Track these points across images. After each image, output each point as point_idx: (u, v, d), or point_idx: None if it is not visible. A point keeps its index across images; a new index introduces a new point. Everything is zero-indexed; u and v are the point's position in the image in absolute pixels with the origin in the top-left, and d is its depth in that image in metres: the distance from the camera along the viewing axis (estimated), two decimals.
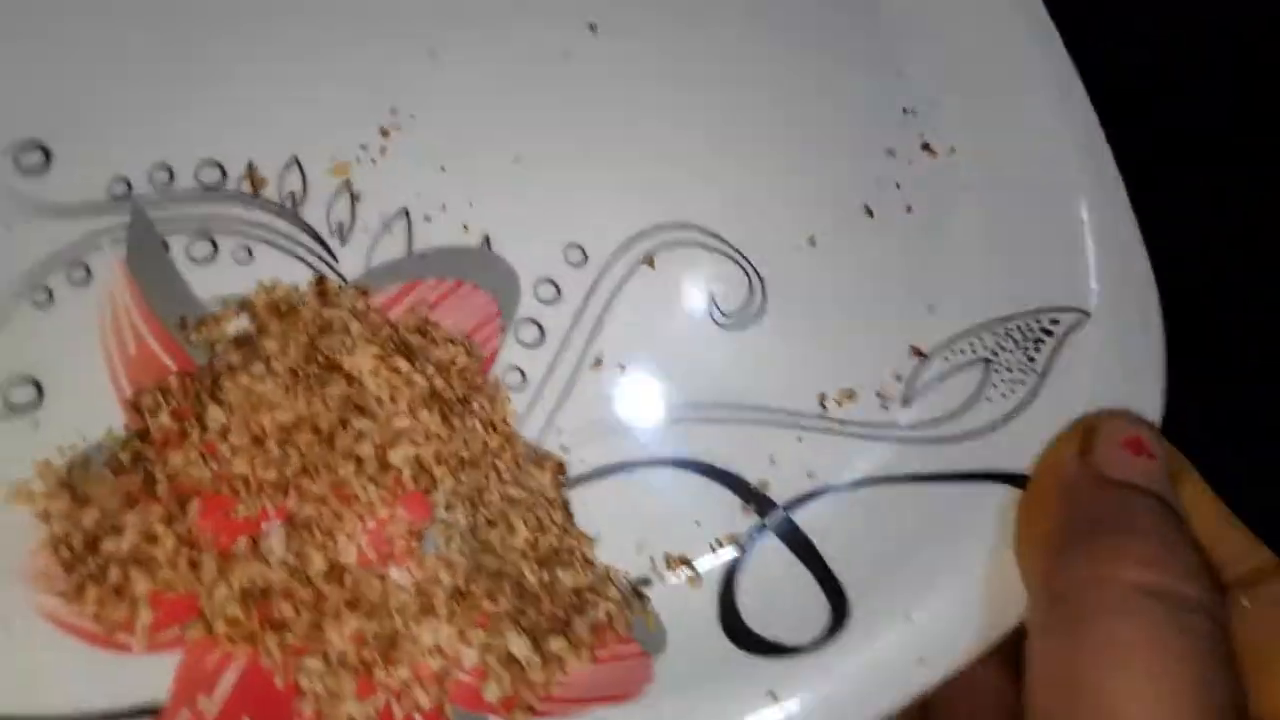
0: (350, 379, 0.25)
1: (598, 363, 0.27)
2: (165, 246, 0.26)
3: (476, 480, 0.25)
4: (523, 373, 0.26)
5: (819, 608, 0.25)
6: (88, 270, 0.25)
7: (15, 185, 0.25)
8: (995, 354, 0.27)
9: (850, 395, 0.27)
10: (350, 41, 0.28)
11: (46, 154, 0.26)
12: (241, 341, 0.25)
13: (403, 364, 0.25)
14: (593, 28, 0.29)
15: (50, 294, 0.25)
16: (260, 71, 0.27)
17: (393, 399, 0.25)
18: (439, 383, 0.25)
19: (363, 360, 0.25)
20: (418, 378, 0.25)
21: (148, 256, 0.26)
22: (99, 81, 0.26)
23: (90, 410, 0.24)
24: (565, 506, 0.25)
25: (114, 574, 0.23)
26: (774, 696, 0.24)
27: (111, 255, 0.25)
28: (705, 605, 0.26)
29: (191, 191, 0.26)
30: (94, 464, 0.24)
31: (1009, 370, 0.27)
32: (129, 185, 0.26)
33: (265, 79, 0.27)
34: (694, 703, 0.24)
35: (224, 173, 0.26)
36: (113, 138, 0.26)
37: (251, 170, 0.27)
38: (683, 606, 0.25)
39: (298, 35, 0.27)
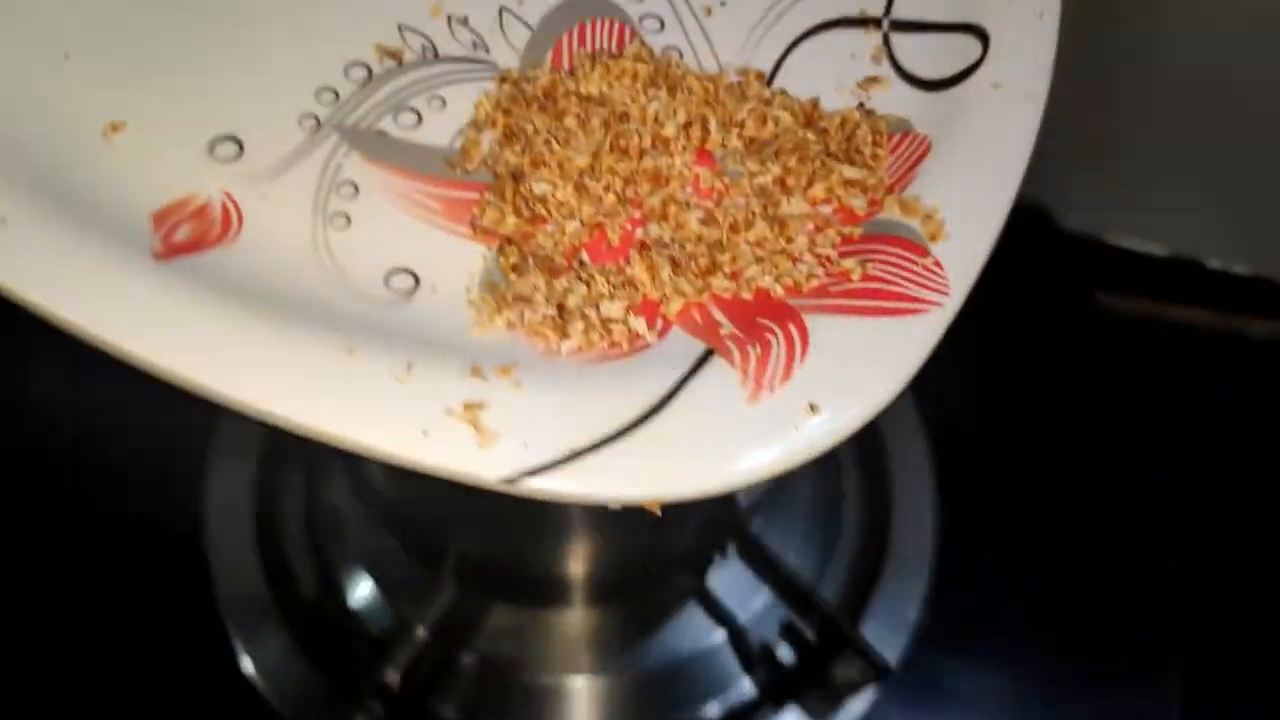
0: (598, 101, 0.27)
1: (708, 10, 0.30)
2: (381, 133, 0.26)
3: (721, 113, 0.28)
4: (679, 51, 0.29)
5: (966, 46, 0.30)
6: (353, 185, 0.25)
7: (237, 170, 0.25)
8: None
9: None
10: None
11: (237, 140, 0.26)
12: (504, 142, 0.26)
13: (616, 65, 0.27)
14: None
15: (346, 217, 0.25)
16: None
17: (632, 98, 0.27)
18: (644, 68, 0.28)
19: (594, 82, 0.27)
20: (636, 67, 0.27)
21: (378, 147, 0.26)
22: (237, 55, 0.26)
23: (457, 261, 0.25)
24: (784, 92, 0.29)
25: (593, 315, 0.24)
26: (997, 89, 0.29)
27: (356, 162, 0.26)
28: (899, 86, 0.30)
29: (357, 92, 0.27)
30: (498, 284, 0.25)
31: None
32: (316, 119, 0.26)
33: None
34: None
35: (367, 67, 0.27)
36: (269, 94, 0.26)
37: (381, 50, 0.27)
38: (884, 97, 0.30)
39: None
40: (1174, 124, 0.45)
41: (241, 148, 0.25)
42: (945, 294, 0.25)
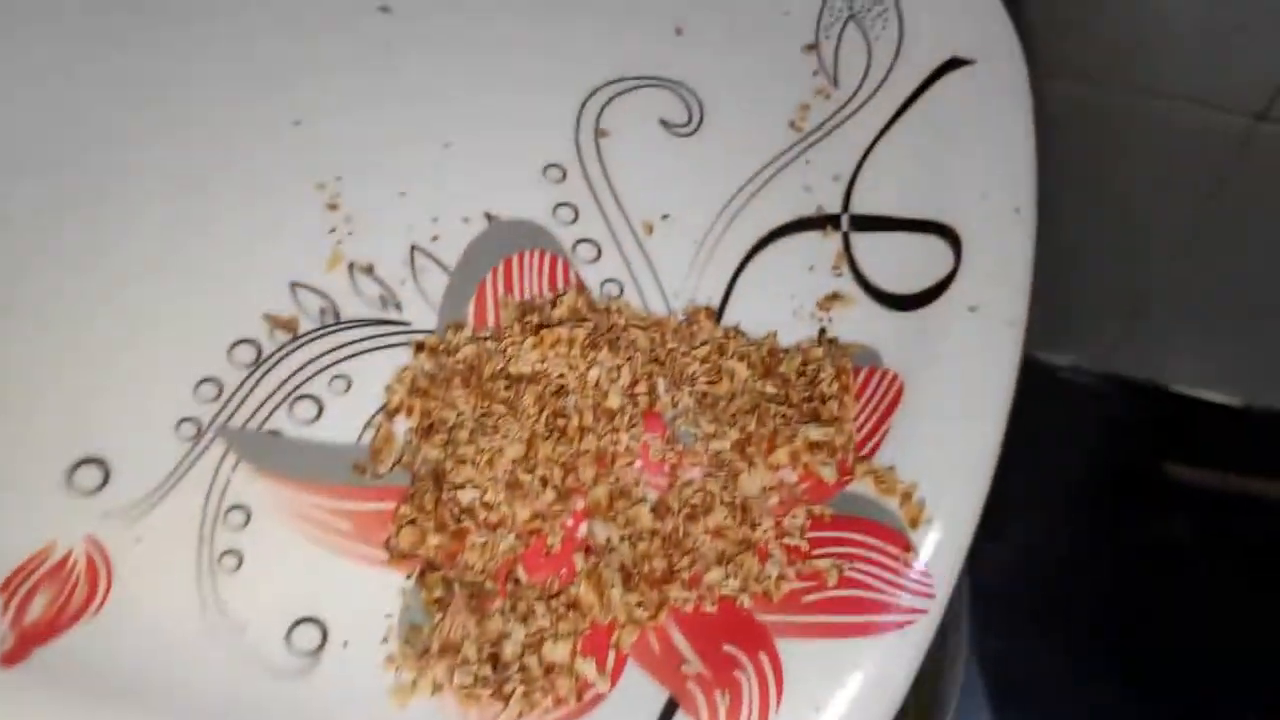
0: (531, 378, 0.23)
1: (649, 229, 0.27)
2: (275, 434, 0.22)
3: (670, 369, 0.24)
4: (619, 284, 0.26)
5: (935, 252, 0.27)
6: (244, 511, 0.22)
7: (102, 506, 0.21)
8: (851, 6, 0.30)
9: (804, 107, 0.29)
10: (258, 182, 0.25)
11: (102, 463, 0.21)
12: (423, 434, 0.23)
13: (551, 334, 0.24)
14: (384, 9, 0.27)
15: (238, 556, 0.21)
16: (217, 248, 0.24)
17: (570, 366, 0.24)
18: (583, 331, 0.24)
19: (528, 356, 0.23)
20: (574, 334, 0.24)
21: (272, 453, 0.22)
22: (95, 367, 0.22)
23: (371, 599, 0.21)
24: (738, 332, 0.26)
25: (533, 665, 0.21)
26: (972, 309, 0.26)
27: (245, 477, 0.22)
28: (864, 304, 0.27)
29: (245, 381, 0.23)
30: (421, 628, 0.21)
31: (869, 11, 0.30)
32: (196, 423, 0.22)
33: (222, 254, 0.24)
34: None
35: (255, 345, 0.23)
36: (138, 397, 0.22)
37: (273, 320, 0.23)
38: (847, 317, 0.26)
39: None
40: (1239, 262, 0.42)
41: (108, 474, 0.21)
42: (930, 596, 0.22)
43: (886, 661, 0.21)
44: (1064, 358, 0.46)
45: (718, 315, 0.26)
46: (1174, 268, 0.42)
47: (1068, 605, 0.37)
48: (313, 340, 0.24)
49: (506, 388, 0.23)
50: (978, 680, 0.29)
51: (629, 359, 0.24)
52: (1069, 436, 0.42)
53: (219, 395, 0.23)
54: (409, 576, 0.22)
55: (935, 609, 0.22)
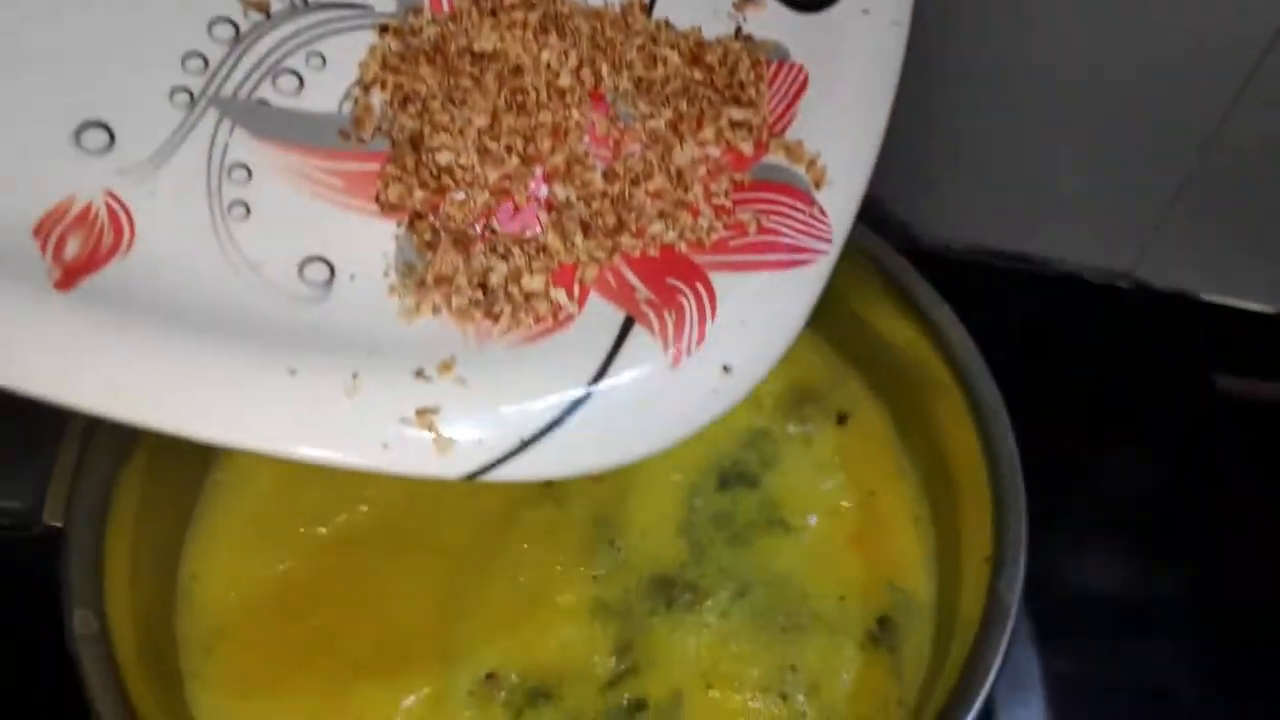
0: (491, 56, 0.27)
1: None
2: (263, 103, 0.25)
3: (612, 55, 0.28)
4: None
5: None
6: (245, 169, 0.25)
7: (113, 164, 0.24)
8: None
9: None
10: None
11: (105, 126, 0.24)
12: (398, 105, 0.26)
13: (507, 16, 0.27)
14: None
15: (245, 206, 0.24)
16: None
17: (524, 48, 0.27)
18: (534, 14, 0.27)
19: (486, 37, 0.26)
20: (526, 16, 0.27)
21: (264, 120, 0.25)
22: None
23: (369, 242, 0.25)
24: (668, 24, 0.29)
25: (516, 293, 0.25)
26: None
27: (242, 140, 0.25)
28: (774, 6, 0.31)
29: (228, 55, 0.25)
30: (415, 264, 0.25)
31: None
32: (189, 92, 0.25)
33: None
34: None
35: (232, 23, 0.25)
36: (130, 67, 0.24)
37: (244, 1, 0.26)
38: (759, 18, 0.31)
39: None
40: (1269, 163, 0.40)
41: (112, 135, 0.24)
42: (829, 241, 0.28)
43: (797, 288, 0.27)
44: (1088, 270, 0.47)
45: (648, 9, 0.30)
46: (1195, 170, 0.41)
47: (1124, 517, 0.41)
48: (285, 21, 0.26)
49: (471, 64, 0.26)
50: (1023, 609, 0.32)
51: (574, 44, 0.28)
52: (1105, 349, 0.44)
53: (205, 67, 0.25)
54: (399, 225, 0.25)
55: (833, 250, 0.28)
